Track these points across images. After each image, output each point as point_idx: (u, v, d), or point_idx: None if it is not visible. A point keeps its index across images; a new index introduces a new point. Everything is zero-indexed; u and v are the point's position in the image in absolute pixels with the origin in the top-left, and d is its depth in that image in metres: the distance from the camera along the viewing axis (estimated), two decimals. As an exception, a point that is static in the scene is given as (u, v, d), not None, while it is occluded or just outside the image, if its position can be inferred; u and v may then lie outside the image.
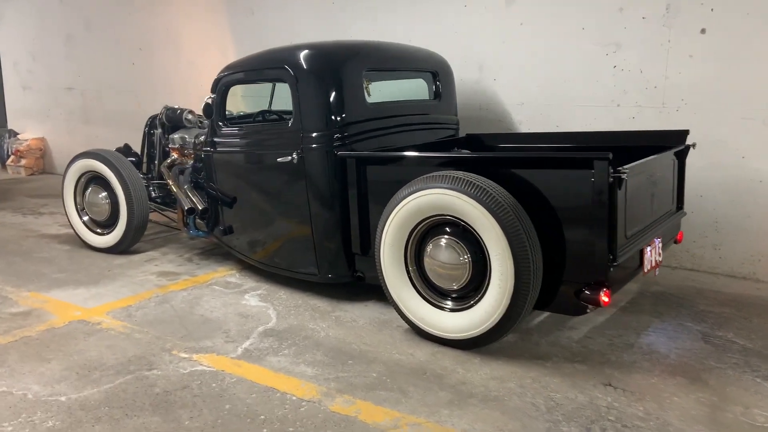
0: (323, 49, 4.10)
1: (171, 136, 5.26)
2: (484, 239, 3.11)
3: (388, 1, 5.83)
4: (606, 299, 2.97)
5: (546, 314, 3.75)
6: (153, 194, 5.45)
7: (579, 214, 3.03)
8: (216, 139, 4.47)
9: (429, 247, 3.34)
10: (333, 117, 3.84)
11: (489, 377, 3.03)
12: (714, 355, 3.25)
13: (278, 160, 3.95)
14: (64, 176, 5.47)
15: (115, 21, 8.46)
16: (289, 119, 4.03)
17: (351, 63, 4.00)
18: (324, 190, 3.88)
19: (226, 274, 4.69)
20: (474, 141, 4.70)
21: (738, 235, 4.46)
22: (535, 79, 5.11)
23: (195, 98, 7.37)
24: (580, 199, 3.01)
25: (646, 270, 3.42)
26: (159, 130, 5.51)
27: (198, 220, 4.96)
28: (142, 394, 2.91)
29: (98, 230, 5.34)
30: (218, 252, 5.22)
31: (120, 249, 5.20)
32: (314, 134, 3.85)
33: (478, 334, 3.17)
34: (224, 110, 4.48)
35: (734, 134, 4.34)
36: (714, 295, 4.15)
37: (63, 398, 2.89)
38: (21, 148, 9.74)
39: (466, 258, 3.20)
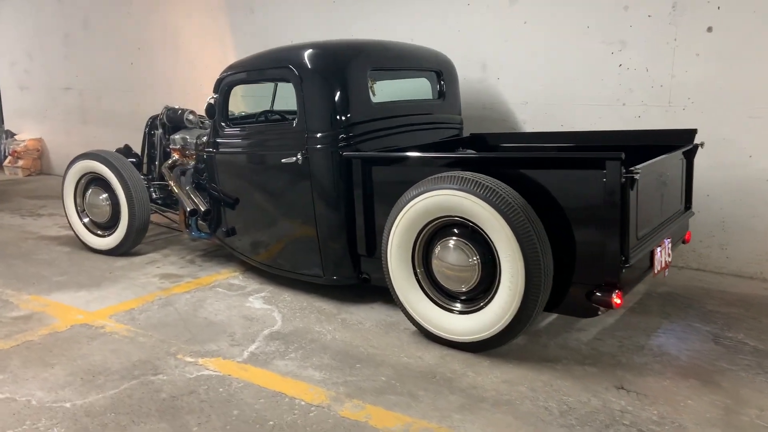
0: (328, 48, 4.05)
1: (172, 136, 5.20)
2: (493, 241, 3.07)
3: (390, -1, 5.79)
4: (618, 301, 2.94)
5: (554, 316, 3.71)
6: (154, 195, 5.40)
7: (590, 214, 2.99)
8: (218, 140, 4.42)
9: (437, 249, 3.30)
10: (338, 117, 3.80)
11: (500, 380, 2.99)
12: (725, 356, 3.22)
13: (283, 160, 3.91)
14: (64, 177, 5.41)
15: (113, 20, 8.39)
16: (293, 119, 3.99)
17: (356, 62, 3.95)
18: (329, 191, 3.84)
19: (229, 276, 4.64)
20: (478, 141, 4.66)
21: (745, 235, 4.43)
22: (539, 78, 5.08)
23: (194, 98, 7.33)
24: (591, 199, 2.97)
25: (656, 271, 3.39)
26: (159, 131, 5.46)
27: (200, 222, 4.91)
28: (148, 399, 2.87)
29: (99, 232, 5.29)
30: (220, 254, 5.17)
31: (121, 251, 5.15)
32: (319, 135, 3.80)
33: (488, 336, 3.14)
34: (227, 111, 4.43)
35: (741, 133, 4.31)
36: (721, 295, 4.12)
37: (68, 404, 2.84)
38: (18, 148, 9.68)
39: (475, 260, 3.16)
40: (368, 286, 3.95)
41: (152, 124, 5.60)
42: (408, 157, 3.69)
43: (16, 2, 9.66)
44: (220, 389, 2.95)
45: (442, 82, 4.61)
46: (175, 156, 5.13)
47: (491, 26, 5.24)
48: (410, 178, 3.40)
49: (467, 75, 5.28)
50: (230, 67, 4.39)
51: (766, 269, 4.38)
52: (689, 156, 3.89)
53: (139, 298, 4.21)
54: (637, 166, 2.94)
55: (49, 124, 9.69)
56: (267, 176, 4.17)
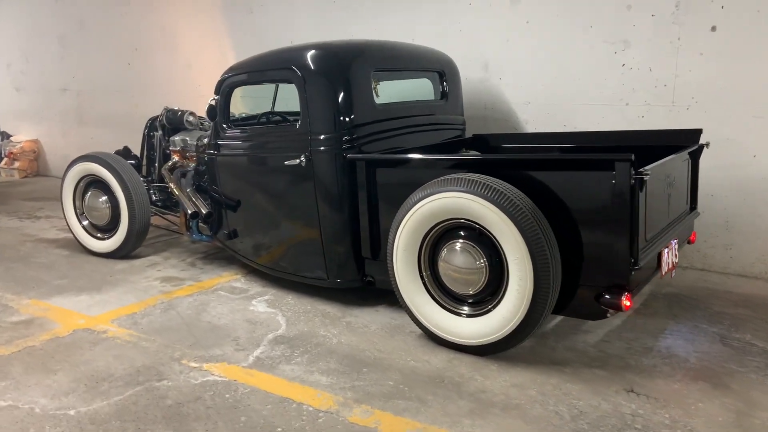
0: (331, 49, 4.02)
1: (172, 138, 5.16)
2: (501, 243, 3.04)
3: (390, -1, 5.75)
4: (627, 303, 2.92)
5: (560, 318, 3.69)
6: (153, 197, 5.36)
7: (599, 216, 2.97)
8: (220, 142, 4.38)
9: (443, 252, 3.27)
10: (342, 118, 3.76)
11: (509, 384, 2.96)
12: (734, 358, 3.20)
13: (286, 163, 3.87)
14: (62, 180, 5.36)
15: (110, 20, 8.33)
16: (296, 121, 3.95)
17: (359, 63, 3.92)
18: (333, 194, 3.81)
19: (231, 278, 4.60)
20: (481, 141, 4.64)
21: (749, 235, 4.42)
22: (542, 78, 5.05)
23: (192, 99, 7.28)
24: (599, 201, 2.95)
25: (663, 272, 3.37)
26: (159, 132, 5.42)
27: (201, 224, 4.87)
28: (153, 406, 2.83)
29: (98, 235, 5.25)
30: (221, 256, 5.13)
31: (121, 254, 5.11)
32: (323, 136, 3.77)
33: (496, 339, 3.11)
34: (228, 112, 4.39)
35: (745, 133, 4.30)
36: (727, 295, 4.10)
37: (72, 412, 2.80)
38: (14, 150, 9.61)
39: (482, 262, 3.13)
40: (371, 289, 3.91)
41: (151, 125, 5.55)
42: (413, 159, 3.66)
43: (11, 3, 9.59)
44: (227, 395, 2.91)
45: (444, 83, 4.58)
46: (175, 158, 5.08)
47: (493, 26, 5.21)
48: (415, 180, 3.37)
49: (469, 75, 5.25)
50: (231, 69, 4.35)
51: (771, 269, 4.37)
52: (695, 156, 3.87)
53: (140, 302, 4.17)
54: (647, 168, 2.92)
55: (46, 125, 9.62)
56: (270, 178, 4.13)
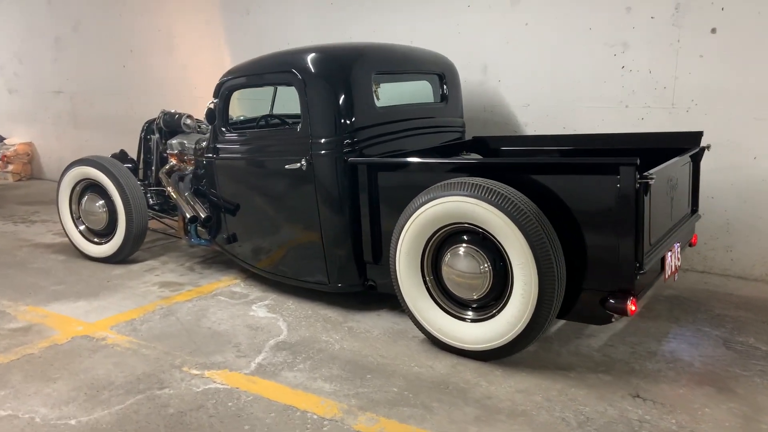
0: (332, 51, 3.99)
1: (169, 141, 5.13)
2: (505, 248, 3.02)
3: (388, 0, 5.72)
4: (633, 308, 2.90)
5: (563, 322, 3.67)
6: (151, 201, 5.31)
7: (603, 220, 2.95)
8: (219, 145, 4.34)
9: (447, 256, 3.25)
10: (343, 122, 3.74)
11: (514, 390, 2.94)
12: (738, 361, 3.19)
13: (286, 167, 3.84)
14: (58, 184, 5.30)
15: (105, 22, 8.26)
16: (296, 124, 3.92)
17: (360, 66, 3.89)
18: (334, 197, 3.78)
19: (230, 283, 4.57)
20: (481, 144, 4.62)
21: (750, 237, 4.41)
22: (541, 80, 5.04)
23: (188, 101, 7.24)
24: (604, 205, 2.93)
25: (666, 276, 3.36)
26: (156, 136, 5.37)
27: (199, 228, 4.83)
28: (155, 415, 2.80)
29: (95, 239, 5.20)
30: (219, 260, 5.10)
31: (118, 258, 5.06)
32: (323, 140, 3.74)
33: (501, 344, 3.09)
34: (227, 116, 4.35)
35: (746, 135, 4.30)
36: (728, 298, 4.10)
37: (73, 421, 2.76)
38: (8, 153, 9.52)
39: (486, 267, 3.11)
40: (373, 294, 3.89)
41: (149, 128, 5.50)
42: (415, 163, 3.63)
43: (5, 4, 9.50)
44: (229, 403, 2.88)
45: (444, 86, 4.56)
46: (173, 161, 5.05)
47: (492, 28, 5.20)
48: (417, 184, 3.35)
49: (468, 77, 5.23)
50: (230, 72, 4.32)
51: (772, 271, 4.37)
52: (696, 159, 3.86)
53: (139, 307, 4.13)
54: (651, 171, 2.91)
55: (40, 128, 9.54)
56: (269, 182, 4.10)
